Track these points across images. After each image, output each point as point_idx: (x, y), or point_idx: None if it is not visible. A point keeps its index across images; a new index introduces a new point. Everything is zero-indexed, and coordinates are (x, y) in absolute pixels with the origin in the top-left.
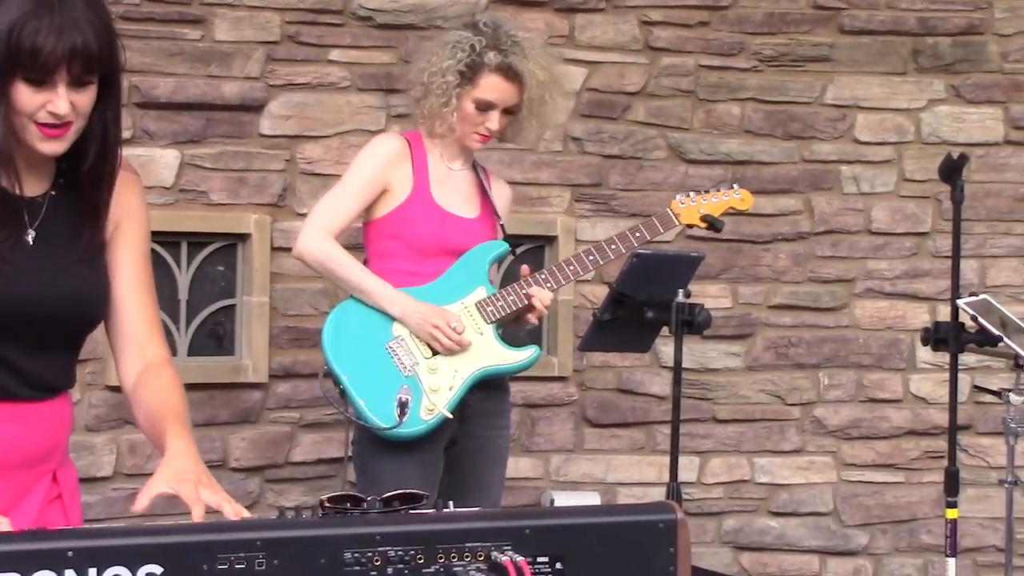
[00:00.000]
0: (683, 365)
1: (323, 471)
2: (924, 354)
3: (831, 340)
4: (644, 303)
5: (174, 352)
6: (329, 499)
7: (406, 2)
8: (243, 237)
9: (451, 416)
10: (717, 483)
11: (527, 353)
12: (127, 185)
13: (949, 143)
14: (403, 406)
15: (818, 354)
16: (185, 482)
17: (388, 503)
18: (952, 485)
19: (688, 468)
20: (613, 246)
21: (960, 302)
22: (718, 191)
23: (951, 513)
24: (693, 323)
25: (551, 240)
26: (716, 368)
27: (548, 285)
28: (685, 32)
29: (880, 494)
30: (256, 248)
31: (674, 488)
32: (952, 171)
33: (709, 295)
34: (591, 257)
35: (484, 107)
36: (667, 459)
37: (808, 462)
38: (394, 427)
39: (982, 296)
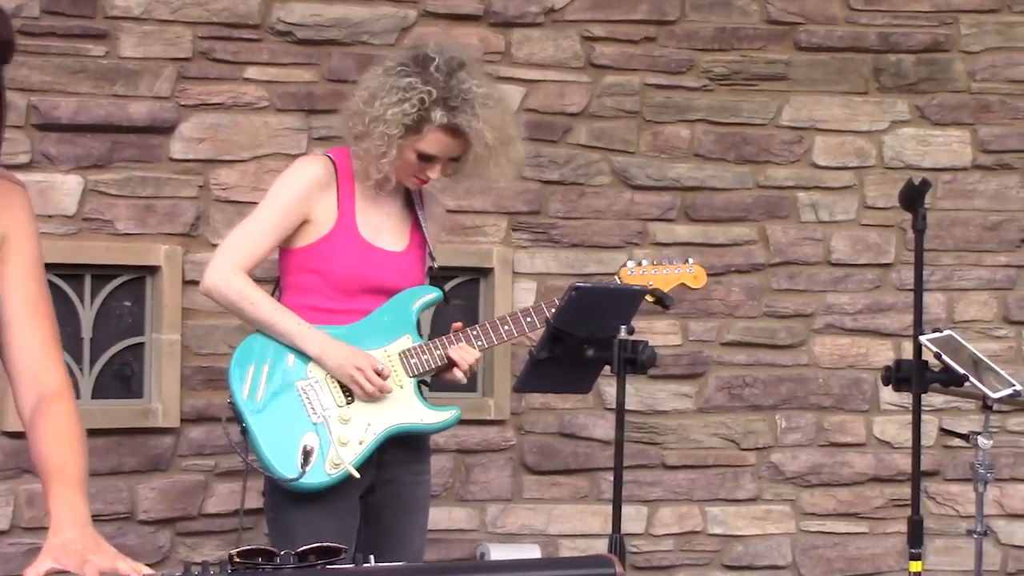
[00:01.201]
0: (630, 407)
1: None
2: (888, 395)
3: (789, 380)
4: (584, 340)
5: (77, 395)
6: (239, 553)
7: (328, 16)
8: (152, 270)
9: (358, 476)
10: (667, 534)
11: (446, 415)
12: (11, 196)
13: (913, 168)
14: (307, 455)
15: (775, 395)
16: (72, 554)
17: (303, 557)
18: (915, 535)
19: (635, 518)
20: (554, 309)
21: (923, 338)
22: (671, 263)
23: (914, 566)
24: (636, 361)
25: (486, 272)
26: (665, 410)
27: (479, 344)
28: (630, 48)
29: (842, 545)
30: (166, 282)
31: (617, 540)
32: (914, 197)
33: (657, 331)
34: (528, 319)
35: (426, 159)
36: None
37: (765, 511)
38: (296, 479)
39: (947, 332)
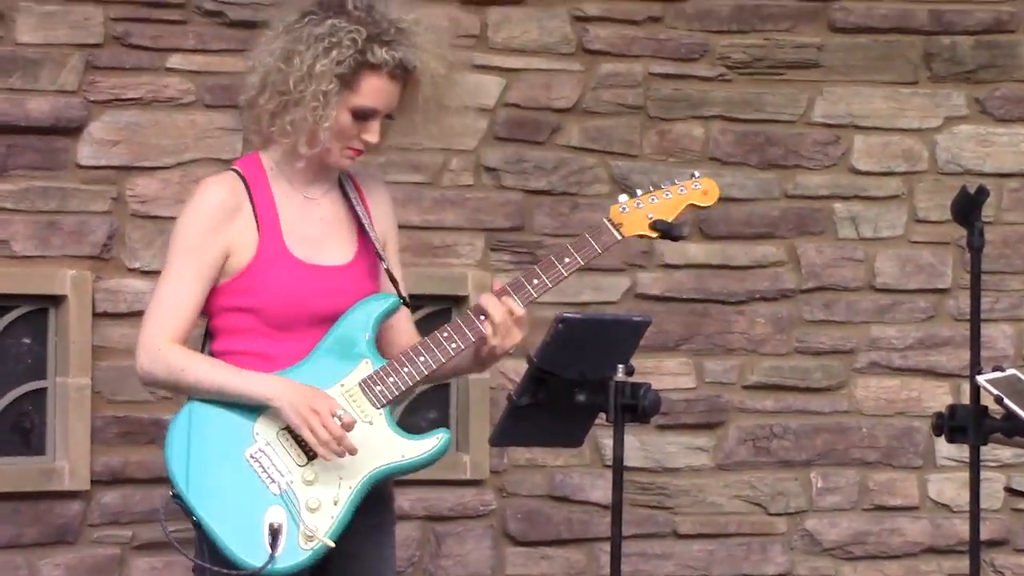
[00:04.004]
0: (634, 463)
1: None
2: (946, 448)
3: (825, 430)
4: (574, 382)
5: None
6: None
7: None
8: (56, 300)
9: (332, 545)
10: None
11: (433, 442)
12: None
13: (973, 173)
14: (275, 534)
15: (809, 448)
16: None
17: None
18: None
19: None
20: (536, 281)
21: (980, 379)
22: (672, 184)
23: None
24: (637, 408)
25: (460, 301)
26: (677, 467)
27: (522, 294)
28: (631, 30)
29: None
30: (73, 314)
31: None
32: (969, 209)
33: (665, 372)
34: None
35: (364, 115)
36: None
37: None
38: (265, 565)
39: (1010, 371)
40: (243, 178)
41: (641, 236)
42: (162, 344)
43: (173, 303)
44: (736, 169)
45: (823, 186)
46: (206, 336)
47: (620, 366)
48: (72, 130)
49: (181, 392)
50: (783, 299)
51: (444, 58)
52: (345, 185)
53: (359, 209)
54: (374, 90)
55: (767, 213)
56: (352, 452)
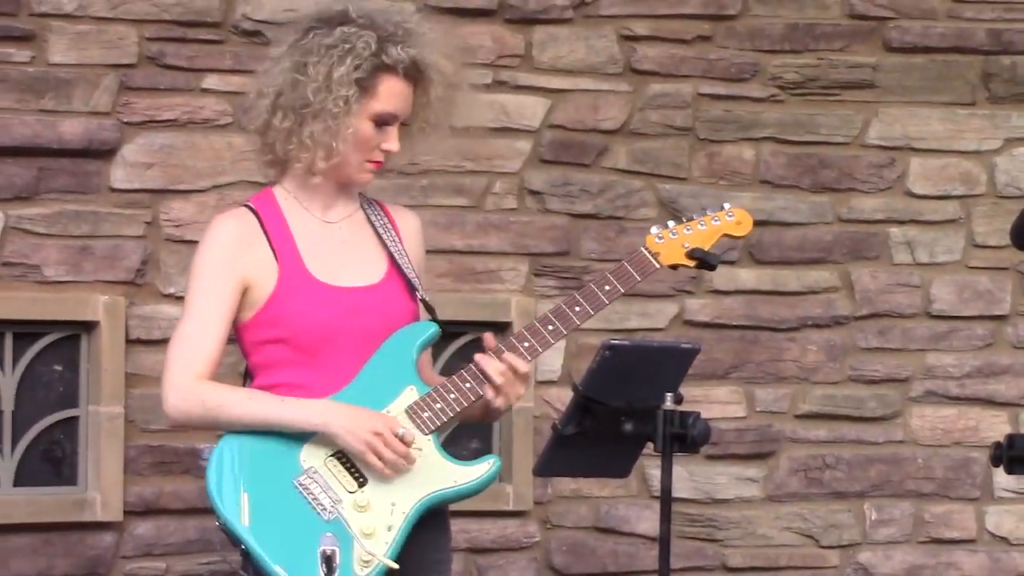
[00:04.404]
0: (682, 495)
1: None
2: (1004, 479)
3: (880, 460)
4: (620, 411)
5: None
6: None
7: (306, 12)
8: (88, 326)
9: (396, 566)
10: None
11: (484, 467)
12: None
13: None
14: (329, 561)
15: (863, 479)
16: None
17: None
18: None
19: None
20: (578, 308)
21: None
22: (705, 215)
23: None
24: (686, 438)
25: (503, 327)
26: (726, 498)
27: (525, 346)
28: (680, 50)
29: None
30: (106, 341)
31: None
32: None
33: (715, 400)
34: (551, 327)
35: (384, 122)
36: None
37: None
38: None
39: None
40: (255, 212)
41: (676, 266)
42: (192, 381)
43: (197, 341)
44: (788, 192)
45: (878, 210)
46: (246, 376)
47: (668, 394)
48: (105, 152)
49: (219, 428)
50: (836, 326)
51: (451, 57)
52: (369, 211)
53: (388, 234)
54: (391, 93)
55: (820, 237)
56: (412, 462)
